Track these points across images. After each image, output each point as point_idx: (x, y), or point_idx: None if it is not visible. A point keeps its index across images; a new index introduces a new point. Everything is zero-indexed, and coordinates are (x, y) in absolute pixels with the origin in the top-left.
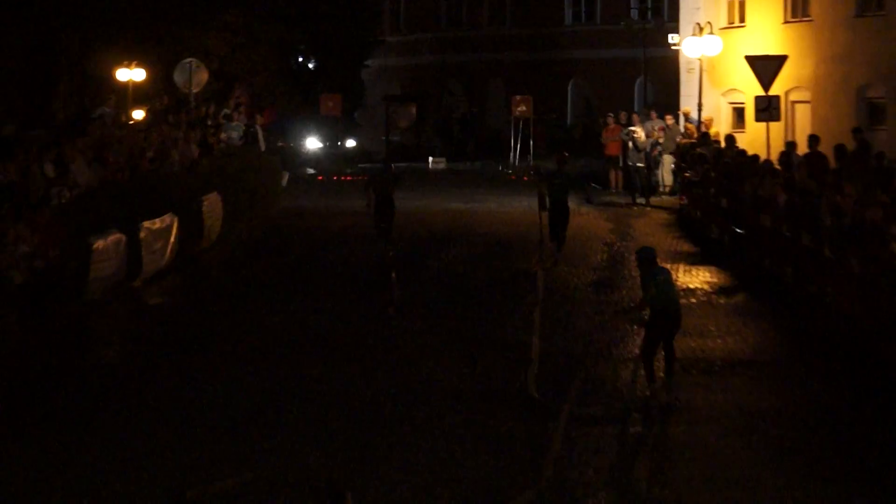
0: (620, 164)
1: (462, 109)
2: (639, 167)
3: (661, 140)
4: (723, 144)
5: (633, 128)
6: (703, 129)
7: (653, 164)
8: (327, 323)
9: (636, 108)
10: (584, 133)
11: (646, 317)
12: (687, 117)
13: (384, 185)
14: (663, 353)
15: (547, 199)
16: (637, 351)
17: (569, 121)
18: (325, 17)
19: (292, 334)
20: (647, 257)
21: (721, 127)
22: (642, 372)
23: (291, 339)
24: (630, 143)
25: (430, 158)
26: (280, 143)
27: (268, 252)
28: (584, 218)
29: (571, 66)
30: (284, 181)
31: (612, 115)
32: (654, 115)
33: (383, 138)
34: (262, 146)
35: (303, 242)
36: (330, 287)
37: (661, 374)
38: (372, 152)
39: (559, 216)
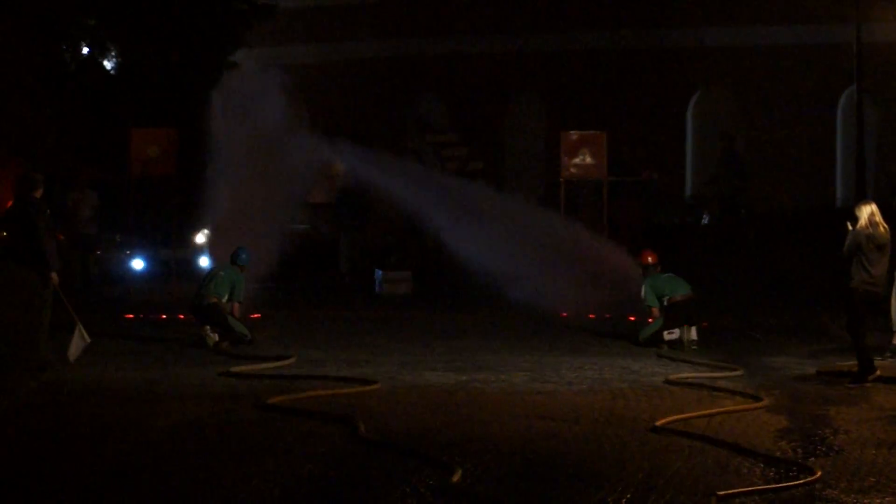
0: None
1: (455, 157)
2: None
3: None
4: None
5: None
6: None
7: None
8: None
9: (838, 151)
10: (728, 213)
11: None
12: None
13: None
14: None
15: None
16: None
17: (688, 188)
18: None
19: None
20: None
21: None
22: None
23: None
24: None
25: (379, 273)
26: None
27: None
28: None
29: (694, 67)
30: (75, 350)
31: None
32: None
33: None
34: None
35: (77, 468)
36: None
37: None
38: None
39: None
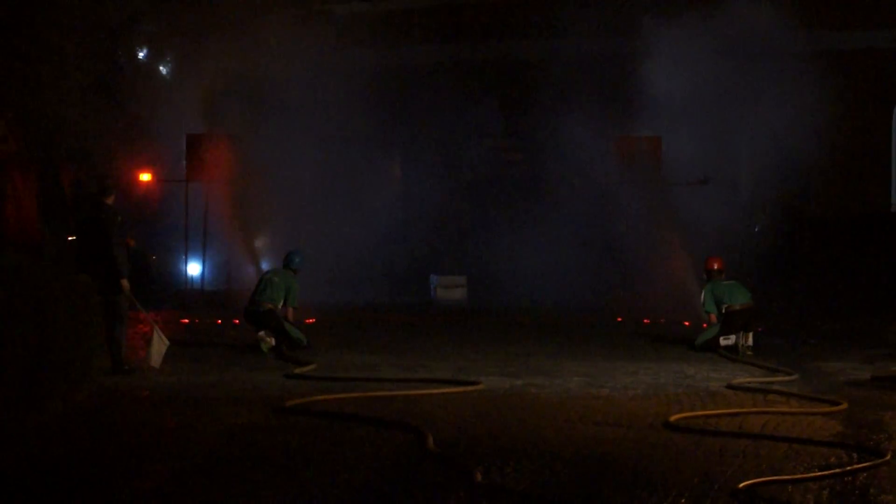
0: None
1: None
2: None
3: None
4: None
5: None
6: None
7: None
8: None
9: (892, 156)
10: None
11: None
12: None
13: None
14: None
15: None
16: None
17: (743, 193)
18: None
19: None
20: None
21: None
22: None
23: None
24: None
25: (435, 278)
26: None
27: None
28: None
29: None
30: (157, 356)
31: None
32: None
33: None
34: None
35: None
36: None
37: None
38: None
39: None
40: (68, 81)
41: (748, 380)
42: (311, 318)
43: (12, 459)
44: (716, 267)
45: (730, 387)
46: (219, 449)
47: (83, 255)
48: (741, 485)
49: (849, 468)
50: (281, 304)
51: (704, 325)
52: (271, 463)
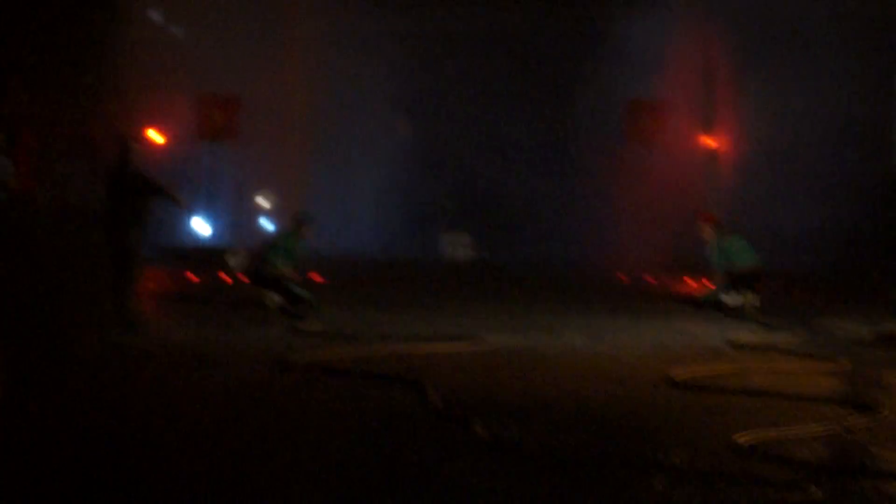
0: None
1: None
2: None
3: None
4: None
5: None
6: None
7: None
8: None
9: None
10: None
11: None
12: None
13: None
14: None
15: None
16: None
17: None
18: None
19: None
20: None
21: None
22: None
23: None
24: None
25: (444, 236)
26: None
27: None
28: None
29: None
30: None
31: None
32: None
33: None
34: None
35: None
36: None
37: None
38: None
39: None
40: (84, 46)
41: (752, 338)
42: (318, 276)
43: (11, 413)
44: (711, 221)
45: (733, 345)
46: (225, 404)
47: (108, 209)
48: (741, 439)
49: (846, 424)
50: (285, 264)
51: (710, 284)
52: (278, 418)
